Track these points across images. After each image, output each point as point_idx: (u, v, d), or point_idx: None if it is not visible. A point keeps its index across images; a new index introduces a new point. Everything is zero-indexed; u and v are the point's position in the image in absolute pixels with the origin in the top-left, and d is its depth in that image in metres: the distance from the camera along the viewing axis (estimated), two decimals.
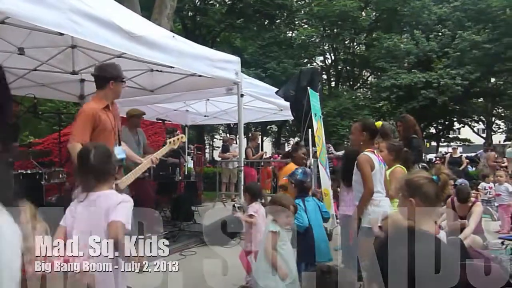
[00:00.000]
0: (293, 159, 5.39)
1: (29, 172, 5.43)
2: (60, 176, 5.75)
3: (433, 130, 24.06)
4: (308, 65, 24.60)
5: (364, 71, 25.22)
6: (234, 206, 7.05)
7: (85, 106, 3.75)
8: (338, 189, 6.37)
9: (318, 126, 5.95)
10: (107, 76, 3.74)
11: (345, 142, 19.44)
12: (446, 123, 22.80)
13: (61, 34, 3.84)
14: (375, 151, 3.60)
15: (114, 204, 2.30)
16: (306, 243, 3.90)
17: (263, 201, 4.23)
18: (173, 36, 4.98)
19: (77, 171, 2.51)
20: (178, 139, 4.26)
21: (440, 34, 20.05)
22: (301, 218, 3.88)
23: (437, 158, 22.10)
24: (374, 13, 23.13)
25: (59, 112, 8.10)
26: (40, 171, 5.43)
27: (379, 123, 3.73)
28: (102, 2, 4.57)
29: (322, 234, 4.10)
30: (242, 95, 6.20)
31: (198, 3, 21.93)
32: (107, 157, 2.43)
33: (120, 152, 3.72)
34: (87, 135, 3.54)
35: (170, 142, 4.20)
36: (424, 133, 22.55)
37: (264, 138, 28.30)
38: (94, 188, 2.35)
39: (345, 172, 4.38)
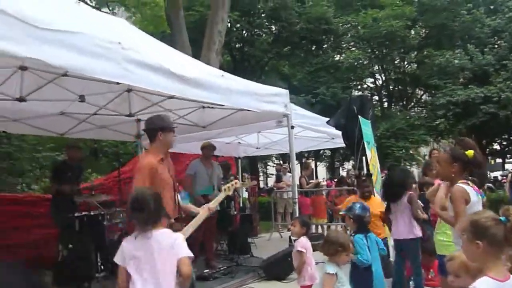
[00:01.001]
0: (359, 192, 5.28)
1: (92, 214, 5.66)
2: (121, 215, 5.95)
3: (497, 146, 22.80)
4: (359, 87, 24.38)
5: (417, 90, 24.53)
6: (290, 238, 6.98)
7: (142, 160, 3.82)
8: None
9: (372, 154, 5.82)
10: (155, 128, 3.83)
11: (402, 164, 18.84)
12: (511, 138, 21.57)
13: (118, 83, 4.03)
14: (470, 182, 3.26)
15: (175, 240, 2.51)
16: (365, 281, 3.79)
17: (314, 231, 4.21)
18: (222, 75, 5.09)
19: (132, 213, 2.62)
20: (232, 185, 4.30)
21: (496, 46, 19.22)
22: (365, 254, 3.79)
23: (504, 177, 20.86)
24: (423, 31, 22.62)
25: (117, 153, 8.44)
26: (102, 212, 5.64)
27: (470, 153, 3.33)
28: (154, 48, 4.80)
29: (380, 272, 3.98)
30: (292, 127, 6.19)
31: (245, 35, 22.42)
32: (160, 200, 2.62)
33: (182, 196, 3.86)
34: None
35: (225, 189, 4.22)
36: (487, 150, 21.43)
37: (318, 163, 28.01)
38: (150, 229, 2.52)
39: (390, 189, 4.27)
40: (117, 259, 2.55)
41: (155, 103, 5.66)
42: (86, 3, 16.66)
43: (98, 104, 5.69)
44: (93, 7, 15.74)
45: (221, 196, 4.16)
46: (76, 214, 5.61)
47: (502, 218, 1.94)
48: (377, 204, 5.06)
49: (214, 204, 3.99)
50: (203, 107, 6.23)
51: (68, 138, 7.03)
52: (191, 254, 2.53)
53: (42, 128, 6.37)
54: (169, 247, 2.48)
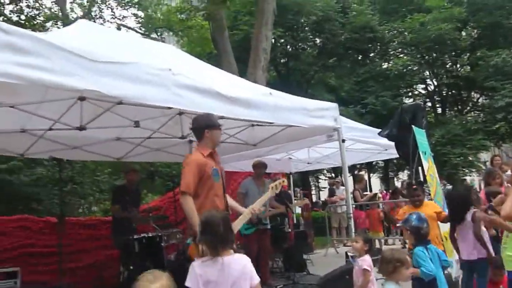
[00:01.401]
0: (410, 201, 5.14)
1: (150, 235, 5.81)
2: (177, 236, 6.07)
3: None
4: (409, 94, 23.70)
5: (472, 93, 23.53)
6: (347, 254, 6.83)
7: (190, 156, 3.91)
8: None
9: (429, 164, 5.61)
10: (202, 126, 3.94)
11: (460, 171, 18.06)
12: None
13: (169, 108, 4.16)
14: None
15: (245, 266, 2.55)
16: None
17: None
18: (270, 93, 5.12)
19: (202, 236, 2.66)
20: (280, 183, 4.28)
21: None
22: (428, 265, 3.65)
23: None
24: (474, 31, 21.76)
25: (171, 174, 8.66)
26: (160, 234, 5.77)
27: None
28: (202, 71, 4.92)
29: (445, 285, 3.80)
30: (343, 141, 6.09)
31: (290, 49, 22.50)
32: (229, 223, 2.66)
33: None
34: (195, 184, 3.68)
35: (272, 188, 4.23)
36: None
37: (371, 174, 27.36)
38: (220, 253, 2.55)
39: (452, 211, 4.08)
40: (188, 283, 2.58)
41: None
42: (135, 31, 17.48)
43: (152, 128, 5.88)
44: (143, 34, 16.45)
45: (267, 195, 4.16)
46: (135, 236, 5.76)
47: None
48: (431, 207, 4.88)
49: (258, 205, 4.00)
50: (252, 125, 6.27)
51: (125, 162, 7.30)
52: (259, 279, 2.59)
53: (100, 154, 6.65)
54: (241, 273, 2.53)
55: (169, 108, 4.19)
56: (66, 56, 3.21)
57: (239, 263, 2.55)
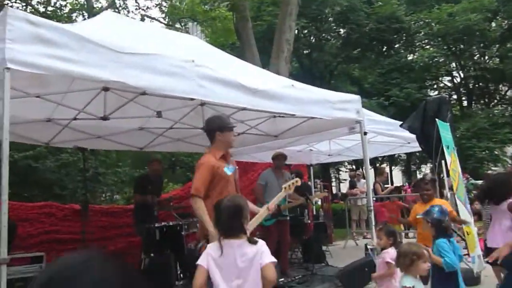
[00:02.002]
0: (421, 197, 5.15)
1: (171, 224, 5.92)
2: (197, 225, 6.15)
3: None
4: (435, 86, 23.27)
5: (500, 86, 22.94)
6: (366, 246, 6.82)
7: (203, 158, 3.93)
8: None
9: (452, 159, 5.53)
10: (213, 128, 3.95)
11: (485, 165, 17.70)
12: None
13: (192, 99, 4.21)
14: None
15: (259, 249, 2.55)
16: (450, 285, 3.64)
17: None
18: (292, 85, 5.12)
19: (217, 221, 2.73)
20: (293, 183, 4.29)
21: None
22: (452, 257, 3.64)
23: None
24: (505, 22, 21.15)
25: (192, 166, 8.75)
26: (180, 222, 5.87)
27: None
28: (225, 63, 4.95)
29: (461, 280, 3.79)
30: (365, 133, 6.05)
31: (313, 40, 22.31)
32: (235, 213, 2.62)
33: None
34: (205, 186, 3.72)
35: (285, 188, 4.24)
36: None
37: (393, 167, 27.06)
38: (229, 237, 2.59)
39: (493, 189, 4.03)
40: (202, 261, 2.60)
41: (228, 115, 5.81)
42: (159, 21, 17.60)
43: (173, 118, 5.97)
44: (166, 25, 16.55)
45: (281, 195, 4.18)
46: (156, 225, 5.87)
47: None
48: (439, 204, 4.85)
49: (273, 204, 4.01)
50: (274, 116, 6.29)
51: (147, 151, 7.41)
52: (275, 260, 2.58)
53: (122, 143, 6.77)
54: (253, 255, 2.54)
55: (192, 99, 4.24)
56: (92, 47, 3.29)
57: (251, 246, 2.56)
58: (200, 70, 4.02)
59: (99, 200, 10.35)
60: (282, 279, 5.94)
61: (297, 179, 4.39)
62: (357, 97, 5.91)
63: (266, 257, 2.55)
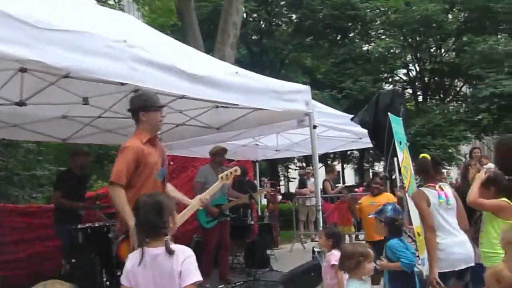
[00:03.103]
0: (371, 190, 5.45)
1: (97, 225, 5.80)
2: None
3: None
4: (390, 79, 24.17)
5: (455, 81, 24.20)
6: (314, 249, 7.01)
7: (126, 142, 3.82)
8: None
9: (404, 155, 5.78)
10: (136, 108, 3.85)
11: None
12: None
13: (123, 84, 4.15)
14: (436, 186, 3.71)
15: (184, 261, 2.38)
16: (410, 286, 3.87)
17: None
18: (236, 72, 5.16)
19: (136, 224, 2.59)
20: (231, 172, 4.32)
21: None
22: (408, 255, 3.82)
23: None
24: (462, 14, 22.32)
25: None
26: (108, 224, 5.77)
27: (426, 156, 3.98)
28: (163, 45, 4.90)
29: (417, 280, 4.01)
30: (315, 127, 6.22)
31: (263, 26, 22.48)
32: (155, 212, 2.44)
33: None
34: (127, 174, 3.62)
35: (222, 178, 4.24)
36: None
37: (345, 165, 27.87)
38: (147, 244, 2.44)
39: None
40: (123, 280, 2.46)
41: (165, 103, 5.76)
42: None
43: (102, 106, 5.83)
44: (98, 1, 16.05)
45: (216, 186, 4.18)
46: (79, 226, 5.74)
47: None
48: (387, 198, 5.19)
49: (207, 195, 4.02)
50: (217, 106, 6.30)
51: (71, 143, 7.21)
52: (200, 278, 2.41)
53: (43, 134, 6.54)
54: (173, 271, 2.35)
55: (123, 84, 4.17)
56: (10, 23, 3.13)
57: (169, 261, 2.37)
58: (133, 52, 3.96)
59: (14, 198, 9.89)
60: (221, 286, 5.99)
61: (237, 168, 4.42)
62: (306, 87, 6.04)
63: (189, 276, 2.36)
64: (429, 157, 3.80)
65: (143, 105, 3.84)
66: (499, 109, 18.21)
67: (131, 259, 2.48)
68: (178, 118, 6.57)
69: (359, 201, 6.03)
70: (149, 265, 2.40)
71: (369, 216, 4.24)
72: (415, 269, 4.36)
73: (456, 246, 3.52)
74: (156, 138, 3.96)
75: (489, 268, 2.48)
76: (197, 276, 2.40)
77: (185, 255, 2.41)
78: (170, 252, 2.38)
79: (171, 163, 8.11)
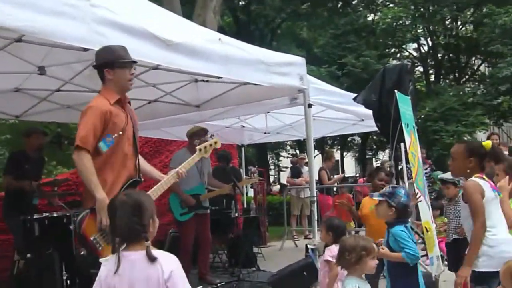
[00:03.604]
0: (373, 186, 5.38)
1: (55, 215, 5.76)
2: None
3: None
4: (398, 55, 24.20)
5: (473, 59, 24.33)
6: (307, 246, 7.04)
7: (91, 102, 3.75)
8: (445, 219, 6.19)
9: (411, 139, 5.80)
10: (101, 64, 3.77)
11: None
12: None
13: (86, 49, 4.08)
14: (485, 177, 3.64)
15: (171, 272, 2.34)
16: (412, 280, 3.86)
17: None
18: (219, 39, 5.10)
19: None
20: (210, 144, 4.28)
21: None
22: (414, 247, 3.83)
23: None
24: None
25: None
26: (68, 214, 5.73)
27: (488, 144, 3.79)
28: (133, 6, 4.81)
29: (420, 273, 4.04)
30: (310, 105, 6.20)
31: None
32: (134, 212, 2.38)
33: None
34: (95, 138, 3.57)
35: (200, 150, 4.23)
36: None
37: (345, 154, 28.01)
38: (124, 249, 2.39)
39: None
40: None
41: (135, 75, 5.70)
42: None
43: (62, 77, 5.75)
44: None
45: (194, 158, 4.15)
46: (35, 216, 5.69)
47: None
48: None
49: (183, 168, 3.98)
50: (196, 80, 6.26)
51: (25, 121, 7.12)
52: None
53: None
54: (159, 281, 2.32)
55: (86, 49, 4.11)
56: None
57: (154, 269, 2.33)
58: (98, 12, 3.88)
59: None
60: (201, 287, 6.00)
61: (217, 139, 4.38)
62: (300, 59, 6.00)
63: (179, 285, 2.35)
64: (490, 146, 3.81)
65: (108, 60, 3.75)
66: None
67: (106, 266, 2.41)
68: (150, 93, 6.53)
69: (360, 205, 5.93)
70: (128, 273, 2.34)
71: (375, 198, 4.20)
72: (422, 269, 4.39)
73: (508, 244, 3.55)
74: (126, 100, 3.90)
75: (506, 263, 2.51)
76: (187, 287, 2.39)
77: (172, 265, 2.38)
78: (152, 259, 2.33)
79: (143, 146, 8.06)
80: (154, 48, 4.33)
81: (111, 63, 3.74)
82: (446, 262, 6.02)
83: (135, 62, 3.89)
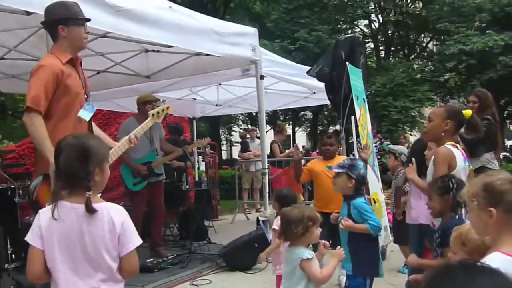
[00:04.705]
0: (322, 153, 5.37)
1: None
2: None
3: None
4: (349, 31, 24.41)
5: (422, 36, 24.81)
6: (258, 218, 7.08)
7: (41, 61, 3.55)
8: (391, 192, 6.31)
9: (361, 112, 5.86)
10: (53, 20, 3.55)
11: (400, 128, 19.19)
12: None
13: (29, 13, 3.91)
14: (459, 146, 3.64)
15: (121, 223, 2.25)
16: (373, 251, 3.94)
17: None
18: (170, 7, 5.01)
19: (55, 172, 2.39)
20: (163, 110, 4.18)
21: None
22: (376, 217, 3.88)
23: None
24: None
25: None
26: (13, 186, 5.56)
27: (468, 112, 3.79)
28: None
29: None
30: (262, 77, 6.17)
31: None
32: (81, 155, 2.27)
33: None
34: (47, 99, 3.41)
35: (153, 115, 4.11)
36: (506, 112, 22.02)
37: (296, 128, 28.24)
38: (64, 197, 2.27)
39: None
40: (29, 237, 2.27)
41: None
42: None
43: (6, 45, 5.58)
44: None
45: (147, 123, 4.07)
46: None
47: None
48: None
49: (136, 134, 3.85)
50: (147, 50, 6.16)
51: None
52: (141, 241, 2.33)
53: None
54: (111, 231, 2.24)
55: (29, 13, 3.93)
56: None
57: (100, 222, 2.23)
58: None
59: None
60: (151, 259, 5.93)
61: (169, 105, 4.29)
62: (253, 30, 5.98)
63: (131, 238, 2.28)
64: (469, 114, 3.82)
65: (63, 16, 3.52)
66: (467, 69, 18.85)
67: (43, 214, 2.29)
68: (99, 63, 6.38)
69: (307, 164, 5.87)
70: (68, 222, 2.23)
71: (334, 170, 4.17)
72: None
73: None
74: (78, 61, 3.71)
75: (455, 230, 2.54)
76: (138, 239, 2.31)
77: (120, 216, 2.27)
78: (90, 210, 2.21)
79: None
80: (103, 14, 4.24)
81: (66, 19, 3.52)
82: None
83: (89, 20, 3.70)
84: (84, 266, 2.25)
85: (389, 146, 8.23)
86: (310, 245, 3.37)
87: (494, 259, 1.79)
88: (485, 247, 2.09)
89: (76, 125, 3.51)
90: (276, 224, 4.07)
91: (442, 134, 3.64)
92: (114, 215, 2.25)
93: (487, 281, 1.01)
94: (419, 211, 4.47)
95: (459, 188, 2.96)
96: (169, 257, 6.12)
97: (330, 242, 3.75)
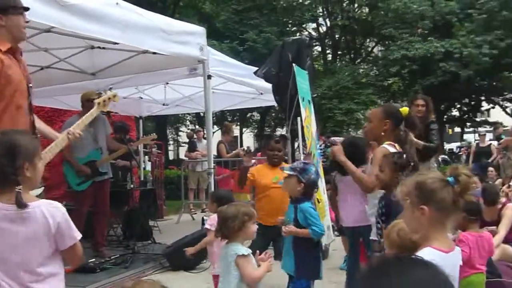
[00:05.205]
0: (267, 159, 5.22)
1: None
2: None
3: (456, 113, 24.32)
4: (297, 34, 24.68)
5: (367, 41, 25.37)
6: (203, 218, 7.05)
7: None
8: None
9: (306, 113, 5.94)
10: None
11: (344, 131, 19.55)
12: (472, 103, 23.08)
13: None
14: (397, 145, 3.71)
15: (61, 217, 2.22)
16: (315, 255, 4.00)
17: None
18: (117, 3, 4.94)
19: None
20: (109, 98, 4.09)
21: None
22: (320, 223, 3.93)
23: (461, 149, 22.39)
24: None
25: None
26: None
27: (405, 110, 3.88)
28: None
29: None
30: (209, 77, 6.17)
31: None
32: (7, 151, 2.21)
33: None
34: None
35: (99, 104, 4.00)
36: (445, 116, 22.80)
37: (244, 129, 28.31)
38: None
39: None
40: None
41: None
42: None
43: None
44: None
45: (92, 114, 3.97)
46: None
47: (450, 179, 2.10)
48: None
49: (78, 128, 3.75)
50: (92, 47, 6.06)
51: None
52: (80, 236, 2.30)
53: None
54: (45, 230, 2.18)
55: None
56: None
57: (34, 215, 2.18)
58: None
59: None
60: (93, 259, 5.82)
61: (115, 93, 4.20)
62: (201, 29, 5.97)
63: (66, 237, 2.24)
64: (406, 112, 3.87)
65: (1, 5, 3.40)
66: (410, 74, 19.40)
67: None
68: (43, 58, 6.22)
69: (252, 170, 5.68)
70: (8, 217, 2.17)
71: (286, 171, 4.18)
72: None
73: None
74: (18, 51, 3.57)
75: (392, 226, 2.63)
76: (77, 234, 2.28)
77: (56, 213, 2.22)
78: (21, 205, 2.14)
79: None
80: (46, 8, 4.16)
81: (4, 8, 3.41)
82: (336, 232, 6.26)
83: (28, 9, 3.59)
84: (16, 267, 2.19)
85: (331, 139, 8.40)
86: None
87: (426, 255, 1.88)
88: (413, 246, 2.18)
89: (17, 116, 3.41)
90: (209, 223, 4.13)
91: (382, 133, 3.73)
92: (48, 213, 2.20)
93: (421, 272, 1.06)
94: (349, 212, 4.54)
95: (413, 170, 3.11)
96: (112, 257, 6.02)
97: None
